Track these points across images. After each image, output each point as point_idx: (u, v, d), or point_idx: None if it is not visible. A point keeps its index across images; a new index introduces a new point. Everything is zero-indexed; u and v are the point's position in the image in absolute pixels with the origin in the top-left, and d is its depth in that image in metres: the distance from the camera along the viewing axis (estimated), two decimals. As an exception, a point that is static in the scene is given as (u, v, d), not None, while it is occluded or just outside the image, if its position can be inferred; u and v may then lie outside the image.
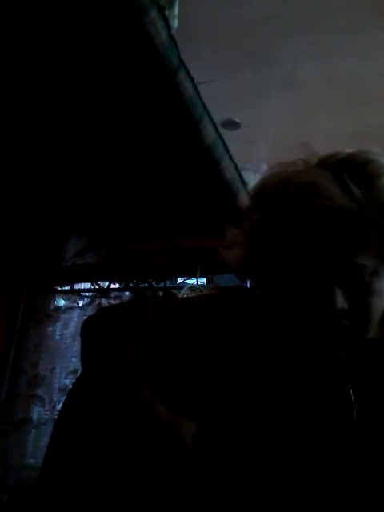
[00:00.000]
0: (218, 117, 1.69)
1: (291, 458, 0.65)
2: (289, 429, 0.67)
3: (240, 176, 1.53)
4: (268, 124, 2.98)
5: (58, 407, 1.94)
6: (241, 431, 0.66)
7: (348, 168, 0.67)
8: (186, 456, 0.63)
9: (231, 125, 2.97)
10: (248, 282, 1.79)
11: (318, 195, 0.64)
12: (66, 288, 2.16)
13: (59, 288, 2.17)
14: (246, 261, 0.75)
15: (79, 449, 0.70)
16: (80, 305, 2.10)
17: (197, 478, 0.63)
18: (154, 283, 2.02)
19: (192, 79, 1.18)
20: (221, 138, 1.37)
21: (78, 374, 1.99)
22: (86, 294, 2.12)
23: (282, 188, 0.68)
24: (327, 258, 0.65)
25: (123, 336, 0.74)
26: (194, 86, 1.19)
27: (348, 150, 0.71)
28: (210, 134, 1.31)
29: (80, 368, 1.93)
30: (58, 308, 2.13)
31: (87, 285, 2.14)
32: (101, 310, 1.58)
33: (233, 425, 0.67)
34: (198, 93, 1.22)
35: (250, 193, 0.78)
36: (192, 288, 1.88)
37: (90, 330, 0.80)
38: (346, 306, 0.64)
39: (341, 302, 0.64)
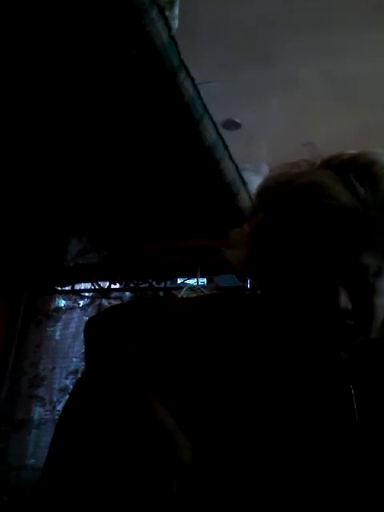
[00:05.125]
0: (218, 117, 1.69)
1: (292, 459, 0.65)
2: (290, 430, 0.67)
3: (240, 176, 1.53)
4: (268, 124, 2.97)
5: (59, 407, 1.94)
6: (241, 431, 0.66)
7: (352, 169, 0.67)
8: (182, 467, 0.63)
9: (231, 125, 2.97)
10: (248, 283, 1.79)
11: (323, 195, 0.64)
12: (67, 288, 2.16)
13: (59, 288, 2.17)
14: (250, 261, 0.75)
15: (80, 451, 0.70)
16: (80, 305, 2.10)
17: (192, 489, 0.62)
18: (154, 283, 2.02)
19: (192, 79, 1.18)
20: (221, 138, 1.37)
21: (79, 375, 1.99)
22: (87, 294, 2.12)
23: (287, 188, 0.68)
24: (332, 258, 0.65)
25: (127, 336, 0.74)
26: (195, 87, 1.20)
27: (351, 151, 0.71)
28: (210, 134, 1.31)
29: (80, 368, 1.94)
30: (59, 308, 2.13)
31: (88, 285, 2.14)
32: (103, 310, 1.59)
33: (233, 425, 0.67)
34: (198, 93, 1.22)
35: (254, 193, 0.77)
36: (192, 288, 1.87)
37: (93, 330, 0.80)
38: (350, 306, 0.64)
39: (345, 301, 0.64)
